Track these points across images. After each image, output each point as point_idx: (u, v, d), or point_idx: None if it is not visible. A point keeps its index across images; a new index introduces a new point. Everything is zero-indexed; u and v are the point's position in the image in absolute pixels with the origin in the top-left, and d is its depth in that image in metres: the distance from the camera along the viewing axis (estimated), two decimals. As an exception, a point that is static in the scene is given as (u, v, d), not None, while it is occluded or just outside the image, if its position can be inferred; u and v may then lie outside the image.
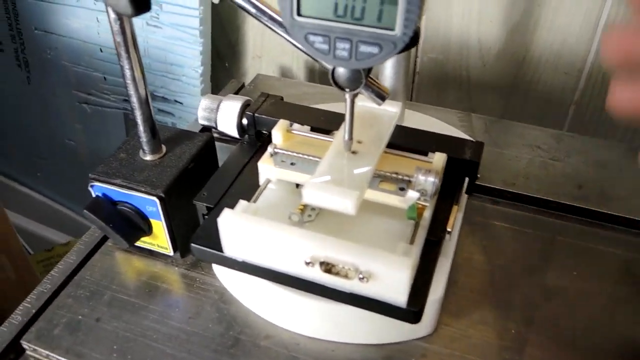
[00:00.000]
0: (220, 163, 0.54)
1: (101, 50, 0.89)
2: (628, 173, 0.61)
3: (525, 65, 0.76)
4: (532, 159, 0.63)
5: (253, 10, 0.40)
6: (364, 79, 0.36)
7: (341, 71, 0.35)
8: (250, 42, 0.89)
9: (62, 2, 0.88)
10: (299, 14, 0.32)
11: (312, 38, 0.33)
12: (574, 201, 0.57)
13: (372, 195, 0.42)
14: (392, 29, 0.31)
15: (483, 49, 0.77)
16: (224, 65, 0.92)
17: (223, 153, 0.57)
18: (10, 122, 1.12)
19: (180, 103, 0.87)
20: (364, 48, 0.32)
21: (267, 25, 0.40)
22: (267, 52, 0.88)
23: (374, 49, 0.32)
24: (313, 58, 0.38)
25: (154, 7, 0.79)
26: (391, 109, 0.45)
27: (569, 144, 0.65)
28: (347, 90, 0.36)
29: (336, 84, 0.36)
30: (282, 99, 0.54)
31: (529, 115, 0.80)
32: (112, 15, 0.41)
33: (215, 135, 0.59)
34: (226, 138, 0.67)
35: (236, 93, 0.76)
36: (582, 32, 0.71)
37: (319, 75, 0.87)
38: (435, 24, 0.76)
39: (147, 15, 0.80)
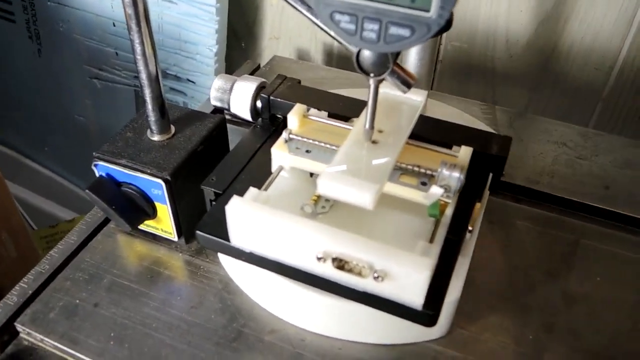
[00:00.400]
0: (232, 146, 0.51)
1: (114, 25, 0.86)
2: (658, 176, 0.58)
3: (554, 58, 0.73)
4: (557, 157, 0.60)
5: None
6: (391, 63, 0.33)
7: (367, 54, 0.33)
8: (268, 22, 0.86)
9: (76, -28, 0.85)
10: (324, -12, 0.29)
11: (338, 17, 0.30)
12: (600, 202, 0.55)
13: (392, 188, 0.39)
14: (427, 10, 0.28)
15: (510, 39, 0.73)
16: (239, 45, 0.90)
17: (235, 136, 0.54)
18: (19, 94, 1.10)
19: (193, 82, 0.85)
20: (394, 30, 0.30)
21: (288, 2, 0.37)
22: (284, 34, 0.86)
23: (406, 32, 0.29)
24: (337, 40, 0.36)
25: (169, -19, 0.77)
26: (415, 97, 0.42)
27: (596, 142, 0.62)
28: (372, 75, 0.34)
29: (360, 67, 0.33)
30: (299, 82, 0.51)
31: (554, 110, 0.77)
32: (123, -16, 0.38)
33: (228, 117, 0.56)
34: (239, 120, 0.64)
35: (251, 74, 0.73)
36: (616, 27, 0.68)
37: (337, 59, 0.84)
38: (462, 11, 0.73)
39: (162, -11, 0.77)
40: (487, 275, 0.48)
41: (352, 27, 0.30)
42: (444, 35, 0.76)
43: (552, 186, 0.56)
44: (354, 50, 0.33)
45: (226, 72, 0.85)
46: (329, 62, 0.85)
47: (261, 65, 0.76)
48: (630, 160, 0.60)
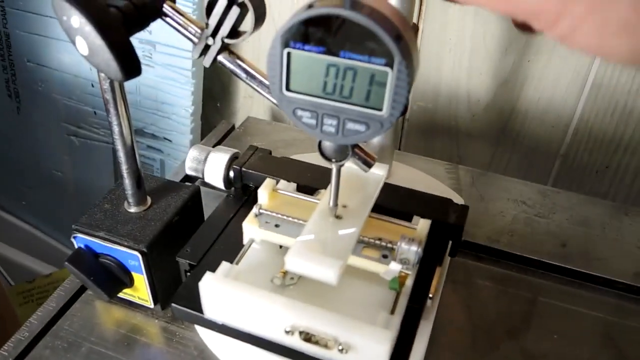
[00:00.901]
0: (206, 209, 0.54)
1: (92, 85, 0.89)
2: (611, 232, 0.62)
3: (513, 118, 0.77)
4: (517, 215, 0.64)
5: (243, 75, 0.40)
6: (350, 151, 0.36)
7: (328, 144, 0.36)
8: (241, 82, 0.89)
9: (56, 36, 0.88)
10: (287, 89, 0.32)
11: (300, 112, 0.33)
12: (557, 260, 0.58)
13: (355, 261, 0.42)
14: (379, 109, 0.31)
15: (472, 101, 0.77)
16: (215, 104, 0.93)
17: (209, 199, 0.57)
18: (-2, 149, 1.12)
19: (170, 140, 0.87)
20: (351, 125, 0.33)
21: (256, 90, 0.40)
22: (258, 93, 0.89)
23: (361, 127, 0.32)
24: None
25: (147, 46, 0.80)
26: (378, 172, 0.45)
27: (554, 200, 0.66)
28: (334, 161, 0.36)
29: (323, 155, 0.36)
30: (270, 152, 0.54)
31: (516, 166, 0.81)
32: (102, 74, 0.41)
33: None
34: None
35: (226, 135, 0.76)
36: (570, 89, 0.72)
37: (309, 118, 0.87)
38: (425, 74, 0.77)
39: (140, 53, 0.80)
40: (450, 335, 0.50)
41: (313, 121, 0.33)
42: (410, 96, 0.80)
43: (511, 245, 0.59)
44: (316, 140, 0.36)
45: (202, 131, 0.88)
46: (301, 121, 0.88)
47: (236, 125, 0.79)
48: (586, 217, 0.64)
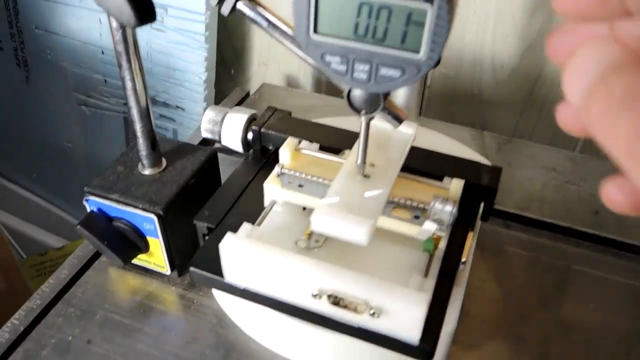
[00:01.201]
0: (223, 176, 0.51)
1: (103, 53, 0.87)
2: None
3: (539, 84, 0.74)
4: (546, 182, 0.61)
5: (264, 24, 0.37)
6: (382, 102, 0.33)
7: (358, 93, 0.33)
8: (256, 49, 0.86)
9: (64, 1, 0.85)
10: (315, 31, 0.30)
11: (328, 58, 0.30)
12: (590, 228, 0.55)
13: (386, 223, 0.39)
14: (416, 52, 0.29)
15: (496, 67, 0.74)
16: (228, 71, 0.90)
17: (225, 165, 0.55)
18: (7, 121, 1.10)
19: (182, 109, 0.85)
20: (384, 71, 0.30)
21: (279, 41, 0.37)
22: (273, 60, 0.86)
23: (396, 73, 0.30)
24: (325, 75, 0.36)
25: (158, 10, 0.77)
26: (406, 130, 0.42)
27: (584, 167, 0.63)
28: (363, 113, 0.34)
29: (351, 105, 0.34)
30: (290, 114, 0.51)
31: (541, 134, 0.78)
32: (114, 24, 0.38)
33: (218, 146, 0.57)
34: (229, 150, 0.65)
35: (240, 102, 0.74)
36: (600, 51, 0.69)
37: (326, 86, 0.84)
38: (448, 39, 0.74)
39: (151, 18, 0.78)
40: (480, 304, 0.48)
41: (342, 68, 0.31)
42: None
43: (541, 212, 0.57)
44: (345, 88, 0.33)
45: (215, 99, 0.85)
46: (317, 89, 0.85)
47: (250, 93, 0.76)
48: (617, 184, 0.61)
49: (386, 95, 0.33)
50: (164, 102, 0.86)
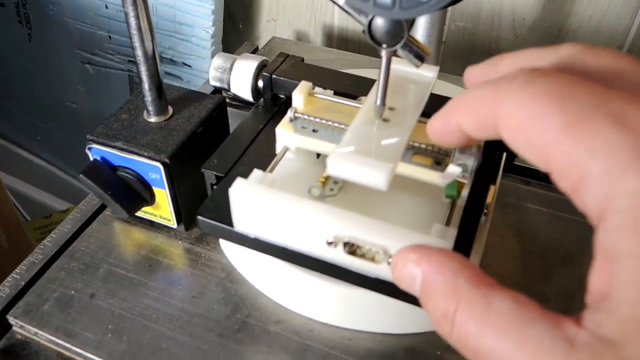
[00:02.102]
0: (232, 129, 0.49)
1: (106, 7, 0.84)
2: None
3: (561, 39, 0.71)
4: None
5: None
6: (405, 33, 0.31)
7: (380, 23, 0.30)
8: (265, 3, 0.83)
9: (66, -47, 0.82)
10: (335, -49, 0.27)
11: (349, -21, 0.28)
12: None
13: (405, 169, 0.37)
14: (446, -29, 0.26)
15: (516, 19, 0.71)
16: (236, 27, 0.87)
17: (234, 119, 0.52)
18: (10, 81, 1.07)
19: (189, 66, 0.82)
20: (410, -7, 0.27)
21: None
22: (282, 15, 0.83)
23: (423, -5, 0.27)
24: (346, 11, 0.33)
25: (163, -40, 0.74)
26: (427, 73, 0.40)
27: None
28: (385, 46, 0.31)
29: (372, 38, 0.31)
30: (302, 60, 0.49)
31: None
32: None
33: (227, 99, 0.54)
34: (238, 103, 0.62)
35: (249, 56, 0.71)
36: (625, 7, 0.66)
37: (337, 41, 0.81)
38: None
39: (156, -31, 0.75)
40: (500, 260, 0.46)
41: (365, -8, 0.28)
42: (449, 15, 0.74)
43: (564, 168, 0.54)
44: (365, 20, 0.31)
45: (223, 56, 0.82)
46: (329, 44, 0.82)
47: (259, 47, 0.73)
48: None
49: (410, 25, 0.31)
50: (170, 59, 0.83)
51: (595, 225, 0.21)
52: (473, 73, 0.29)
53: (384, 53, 0.32)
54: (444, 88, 0.60)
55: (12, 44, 1.00)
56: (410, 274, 0.26)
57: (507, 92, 0.23)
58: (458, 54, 0.76)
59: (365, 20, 0.31)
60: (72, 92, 0.99)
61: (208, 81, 0.54)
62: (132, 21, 0.39)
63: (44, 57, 0.98)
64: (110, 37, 0.87)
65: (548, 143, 0.21)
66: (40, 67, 1.00)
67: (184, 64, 0.82)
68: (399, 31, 0.31)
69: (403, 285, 0.27)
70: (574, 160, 0.20)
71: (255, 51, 0.72)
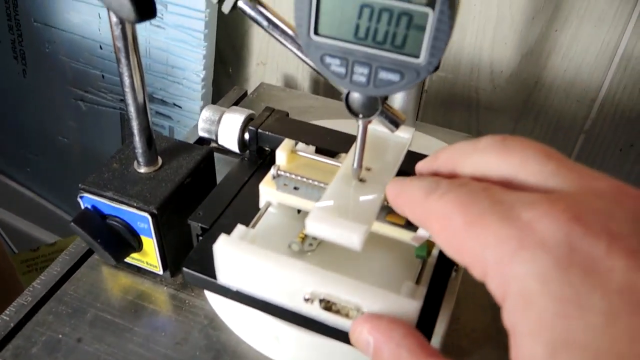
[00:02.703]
0: (218, 176, 0.51)
1: (101, 48, 0.86)
2: None
3: (537, 91, 0.74)
4: (541, 190, 0.61)
5: (265, 23, 0.37)
6: (380, 106, 0.33)
7: (356, 96, 0.33)
8: (255, 48, 0.86)
9: (63, -5, 0.85)
10: (316, 33, 0.30)
11: (328, 60, 0.30)
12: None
13: (380, 227, 0.39)
14: (416, 56, 0.28)
15: (494, 71, 0.74)
16: (226, 70, 0.90)
17: (220, 165, 0.54)
18: (2, 113, 1.09)
19: (179, 107, 0.85)
20: (384, 74, 0.30)
21: (279, 41, 0.37)
22: (271, 60, 0.86)
23: (395, 76, 0.30)
24: (322, 75, 0.36)
25: (158, 6, 0.76)
26: (403, 134, 0.42)
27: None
28: (361, 116, 0.34)
29: (349, 109, 0.34)
30: (287, 114, 0.51)
31: (537, 140, 0.78)
32: (114, 19, 0.38)
33: (214, 145, 0.56)
34: (225, 149, 0.64)
35: (238, 102, 0.73)
36: (598, 62, 0.69)
37: (323, 87, 0.84)
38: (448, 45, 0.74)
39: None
40: (471, 311, 0.48)
41: (342, 70, 0.30)
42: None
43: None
44: (344, 91, 0.33)
45: (213, 98, 0.85)
46: (315, 90, 0.85)
47: (248, 92, 0.76)
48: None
49: (384, 99, 0.33)
50: (161, 100, 0.85)
51: (501, 307, 0.24)
52: (420, 165, 0.33)
53: (360, 122, 0.35)
54: (424, 142, 0.63)
55: (6, 79, 1.02)
56: (365, 340, 0.30)
57: (433, 200, 0.27)
58: (439, 103, 0.79)
59: (344, 91, 0.33)
60: (64, 127, 1.01)
61: (196, 126, 0.56)
62: (126, 80, 0.41)
63: (38, 92, 1.00)
64: (103, 76, 0.89)
65: (457, 240, 0.25)
66: (34, 102, 1.02)
67: (175, 104, 0.85)
68: (374, 104, 0.33)
69: (360, 349, 0.31)
70: (476, 253, 0.24)
71: (243, 97, 0.74)
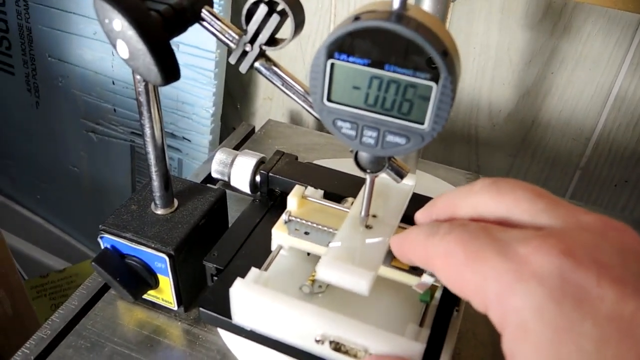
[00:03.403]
0: (229, 212, 0.54)
1: (113, 83, 0.89)
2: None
3: (534, 129, 0.77)
4: (538, 228, 0.63)
5: (279, 83, 0.40)
6: (386, 163, 0.36)
7: (365, 154, 0.36)
8: (261, 83, 0.89)
9: (79, 32, 0.88)
10: (329, 100, 0.32)
11: (340, 123, 0.33)
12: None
13: (386, 272, 0.41)
14: (421, 123, 0.31)
15: (493, 110, 0.77)
16: (234, 104, 0.93)
17: (231, 202, 0.57)
18: (15, 143, 1.12)
19: (189, 140, 0.88)
20: (391, 138, 0.32)
21: (292, 98, 0.40)
22: (277, 95, 0.89)
23: (401, 140, 0.32)
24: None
25: (170, 46, 0.80)
26: (407, 182, 0.45)
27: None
28: (368, 171, 0.36)
29: (358, 165, 0.36)
30: (296, 158, 0.54)
31: (534, 177, 0.81)
32: (138, 77, 0.41)
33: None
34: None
35: (246, 138, 0.76)
36: (593, 102, 0.72)
37: (328, 123, 0.87)
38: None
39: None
40: (472, 347, 0.50)
41: (352, 133, 0.33)
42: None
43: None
44: (353, 150, 0.36)
45: (221, 131, 0.88)
46: (320, 126, 0.88)
47: (255, 127, 0.79)
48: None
49: (390, 157, 0.36)
50: (171, 133, 0.88)
51: (501, 335, 0.26)
52: (419, 215, 0.35)
53: (367, 177, 0.37)
54: (426, 181, 0.66)
55: (19, 110, 1.05)
56: None
57: (435, 241, 0.29)
58: (439, 140, 0.82)
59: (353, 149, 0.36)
60: (75, 157, 1.04)
61: (205, 162, 0.59)
62: (147, 131, 0.44)
63: (50, 123, 1.03)
64: (115, 109, 0.92)
65: (459, 275, 0.28)
66: (45, 132, 1.05)
67: (184, 138, 0.88)
68: (381, 161, 0.36)
69: None
70: (477, 286, 0.26)
71: (251, 133, 0.77)
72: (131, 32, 0.34)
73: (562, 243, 0.25)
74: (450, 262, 0.28)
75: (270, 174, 0.51)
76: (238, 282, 0.39)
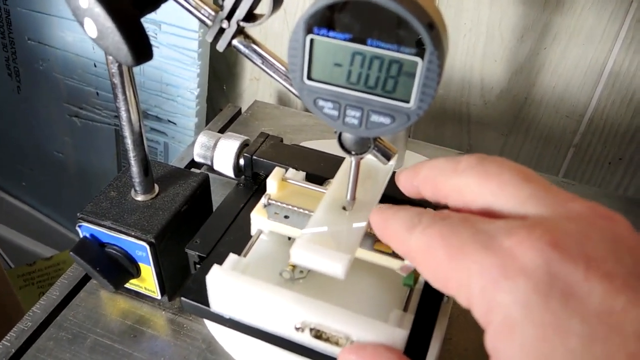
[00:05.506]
0: (213, 197, 0.52)
1: (95, 65, 0.87)
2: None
3: (527, 106, 0.75)
4: (531, 207, 0.62)
5: (259, 61, 0.38)
6: (372, 144, 0.34)
7: (349, 135, 0.34)
8: (248, 63, 0.87)
9: (58, 14, 0.86)
10: (309, 78, 0.31)
11: (321, 103, 0.31)
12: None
13: (367, 256, 0.40)
14: (407, 101, 0.30)
15: (485, 88, 0.76)
16: (220, 86, 0.91)
17: (216, 185, 0.55)
18: (-3, 129, 1.10)
19: (174, 123, 0.86)
20: (375, 118, 0.31)
21: (272, 77, 0.38)
22: (265, 75, 0.87)
23: (386, 120, 0.31)
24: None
25: (152, 26, 0.77)
26: (387, 161, 0.43)
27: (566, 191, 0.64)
28: (353, 153, 0.35)
29: (342, 147, 0.35)
30: (281, 140, 0.52)
31: (527, 156, 0.79)
32: (110, 58, 0.39)
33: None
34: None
35: (232, 119, 0.74)
36: (587, 78, 0.70)
37: (316, 103, 0.85)
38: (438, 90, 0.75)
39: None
40: (464, 330, 0.49)
41: (335, 113, 0.31)
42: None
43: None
44: (337, 131, 0.34)
45: (207, 113, 0.86)
46: (308, 105, 0.86)
47: (242, 109, 0.77)
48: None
49: (375, 138, 0.34)
50: (156, 116, 0.86)
51: (485, 332, 0.25)
52: (401, 178, 0.34)
53: (352, 159, 0.36)
54: (416, 161, 0.64)
55: (1, 95, 1.02)
56: None
57: (416, 235, 0.28)
58: (430, 118, 0.81)
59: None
60: (59, 143, 1.02)
61: (190, 146, 0.57)
62: (123, 114, 0.42)
63: (32, 108, 1.01)
64: (97, 93, 0.90)
65: (441, 272, 0.26)
66: (28, 118, 1.03)
67: (169, 121, 0.86)
68: (366, 142, 0.34)
69: None
70: (461, 283, 0.25)
71: (238, 114, 0.75)
72: (98, 9, 0.32)
73: (549, 234, 0.24)
74: (431, 258, 0.27)
75: (254, 157, 0.50)
76: (215, 269, 0.38)
